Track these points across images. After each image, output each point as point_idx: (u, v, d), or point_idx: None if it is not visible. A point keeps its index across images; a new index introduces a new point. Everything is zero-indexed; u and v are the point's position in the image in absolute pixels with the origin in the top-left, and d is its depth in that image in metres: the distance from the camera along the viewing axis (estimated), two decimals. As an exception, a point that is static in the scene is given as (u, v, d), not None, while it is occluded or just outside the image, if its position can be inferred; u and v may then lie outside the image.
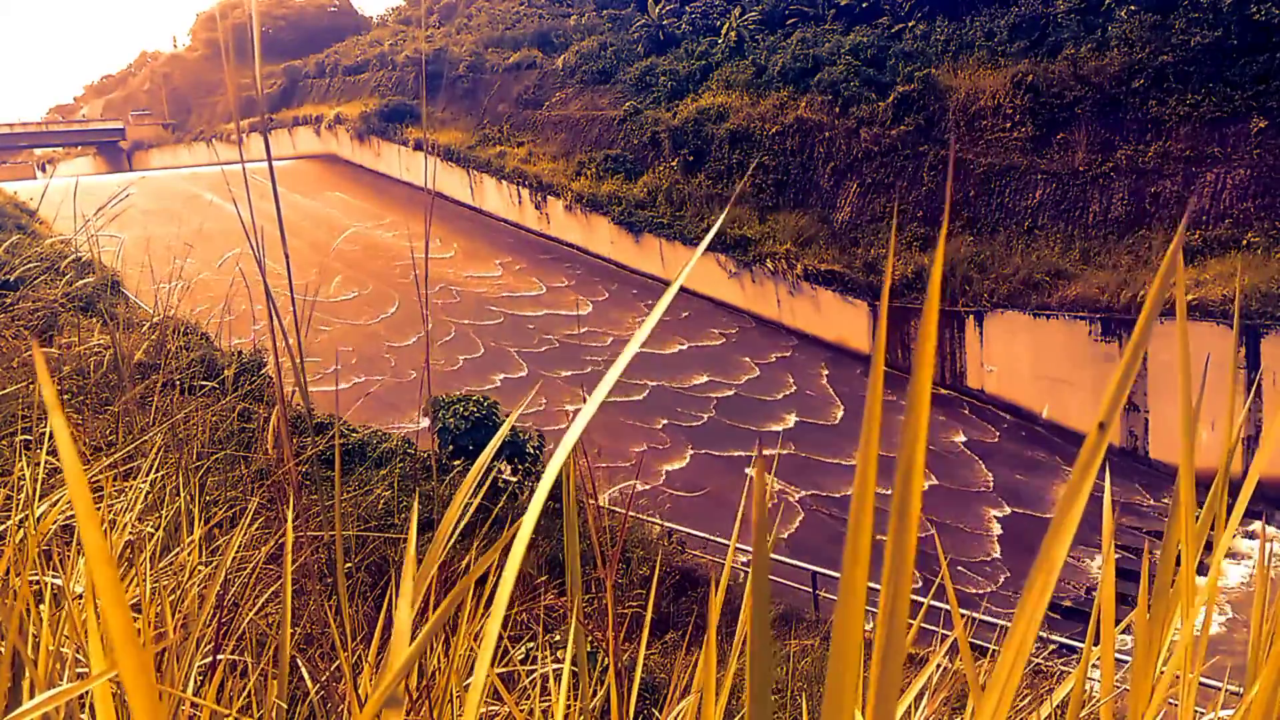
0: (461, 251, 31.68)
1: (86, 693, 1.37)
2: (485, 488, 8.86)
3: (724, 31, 34.01)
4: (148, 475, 2.55)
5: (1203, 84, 21.53)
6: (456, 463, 9.71)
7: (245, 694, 1.85)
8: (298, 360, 1.65)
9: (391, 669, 0.67)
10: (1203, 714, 1.95)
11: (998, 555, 16.02)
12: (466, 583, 0.66)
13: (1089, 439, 0.54)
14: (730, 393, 22.33)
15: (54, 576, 1.79)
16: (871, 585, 0.50)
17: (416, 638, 0.64)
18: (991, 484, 18.77)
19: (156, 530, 2.41)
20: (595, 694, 1.90)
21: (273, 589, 2.20)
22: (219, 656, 1.49)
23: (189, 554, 2.19)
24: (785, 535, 15.32)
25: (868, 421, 0.48)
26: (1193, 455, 0.80)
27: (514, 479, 10.07)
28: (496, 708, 2.00)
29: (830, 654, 0.48)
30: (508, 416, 10.40)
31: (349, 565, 3.63)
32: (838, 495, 17.57)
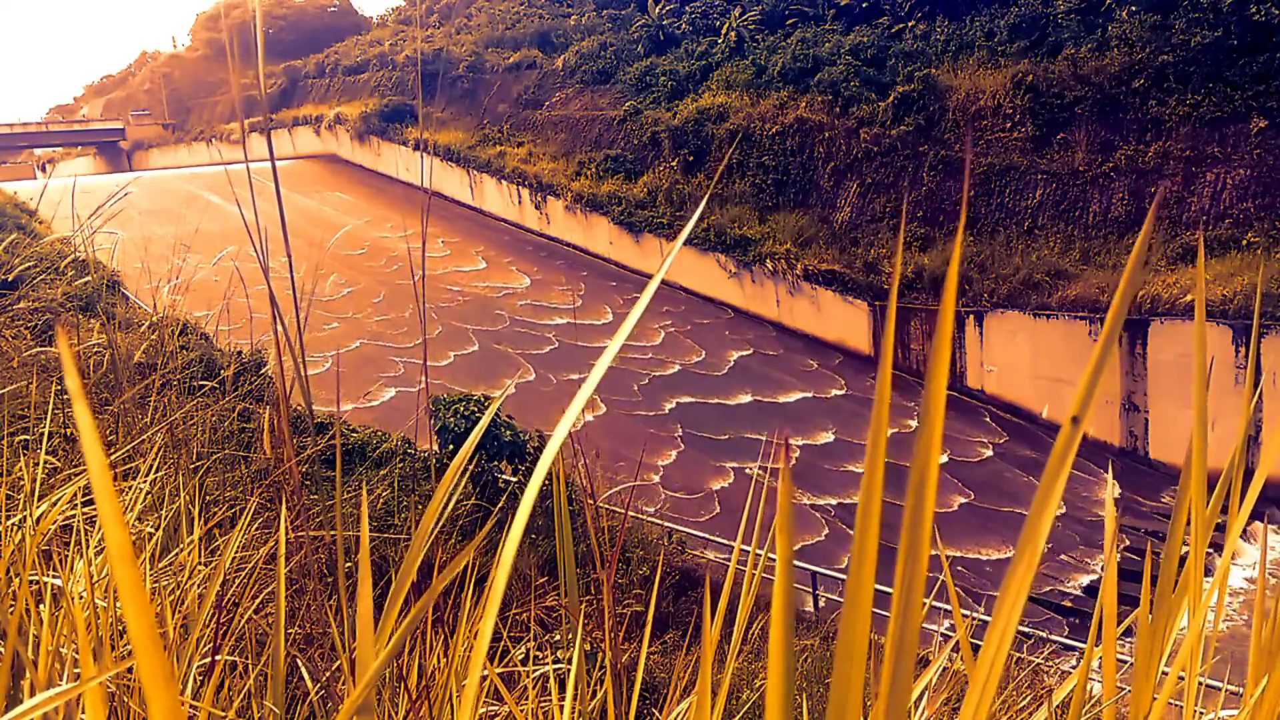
0: (466, 254, 31.48)
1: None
2: (484, 488, 8.86)
3: (724, 31, 34.00)
4: (147, 475, 2.54)
5: (1203, 84, 21.52)
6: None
7: (244, 694, 1.84)
8: (299, 359, 1.64)
9: (360, 681, 0.66)
10: (1204, 714, 1.95)
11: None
12: (438, 586, 0.66)
13: (1062, 432, 0.54)
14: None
15: (53, 576, 1.78)
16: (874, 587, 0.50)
17: (390, 643, 0.63)
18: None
19: (156, 530, 2.41)
20: (595, 694, 1.90)
21: (270, 588, 2.20)
22: (218, 657, 1.49)
23: (188, 554, 2.18)
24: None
25: (875, 422, 0.48)
26: (1205, 453, 0.80)
27: (515, 479, 10.07)
28: (496, 707, 2.00)
29: (836, 655, 0.47)
30: (509, 416, 10.39)
31: (348, 565, 3.62)
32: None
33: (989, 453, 20.12)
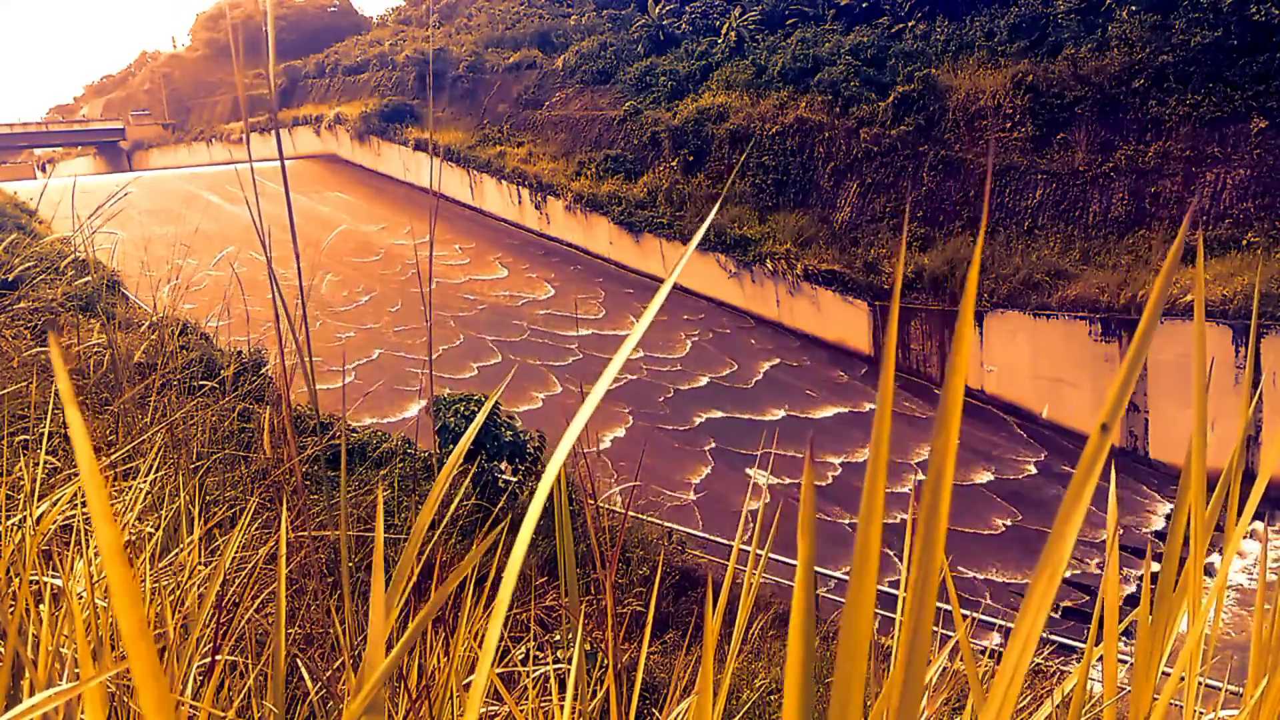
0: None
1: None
2: (484, 488, 8.85)
3: (724, 31, 34.01)
4: (147, 475, 2.54)
5: (1203, 84, 21.53)
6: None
7: (244, 694, 1.84)
8: (306, 359, 1.64)
9: (368, 681, 0.66)
10: (1203, 715, 1.94)
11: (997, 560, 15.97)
12: (447, 588, 0.66)
13: (1091, 440, 0.54)
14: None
15: (53, 576, 1.78)
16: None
17: (397, 644, 0.63)
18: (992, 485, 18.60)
19: (156, 530, 2.40)
20: (595, 694, 1.90)
21: (270, 588, 2.19)
22: (218, 657, 1.49)
23: (188, 554, 2.18)
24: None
25: (878, 422, 0.48)
26: (1204, 452, 0.80)
27: (514, 479, 10.07)
28: (496, 707, 2.00)
29: (838, 654, 0.47)
30: (510, 416, 10.37)
31: (350, 564, 3.61)
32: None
33: (1032, 469, 19.48)
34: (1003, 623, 10.68)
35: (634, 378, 21.94)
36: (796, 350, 25.20)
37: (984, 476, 18.82)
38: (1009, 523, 17.12)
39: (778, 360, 24.41)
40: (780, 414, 21.30)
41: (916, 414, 21.74)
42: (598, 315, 26.72)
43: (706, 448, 19.19)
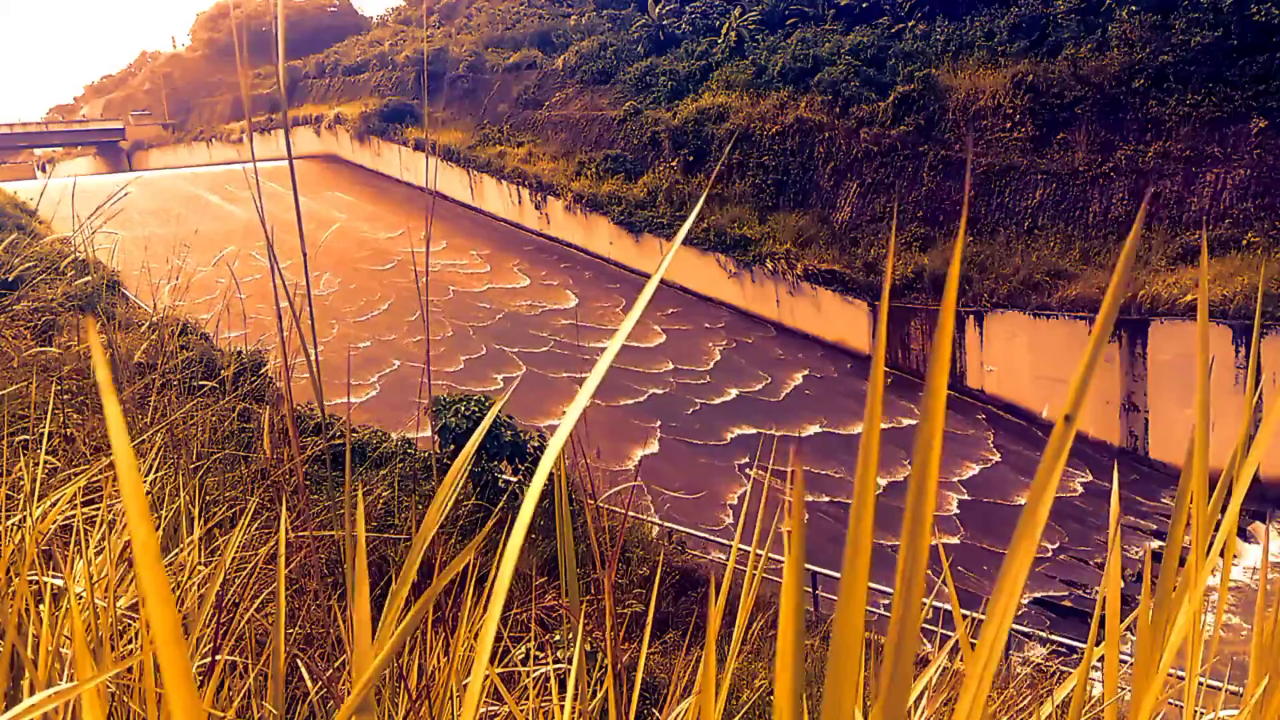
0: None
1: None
2: (484, 488, 8.85)
3: (724, 31, 34.02)
4: (147, 475, 2.54)
5: (1203, 84, 21.53)
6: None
7: (244, 694, 1.84)
8: (313, 360, 1.64)
9: (358, 681, 0.66)
10: (1204, 714, 1.95)
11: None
12: (438, 586, 0.66)
13: (1055, 430, 0.55)
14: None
15: (54, 576, 1.78)
16: (870, 585, 0.50)
17: (388, 643, 0.63)
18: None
19: (156, 530, 2.40)
20: (595, 694, 1.90)
21: (270, 588, 2.19)
22: (218, 657, 1.49)
23: (188, 554, 2.18)
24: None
25: (868, 421, 0.48)
26: (1206, 453, 0.80)
27: (515, 479, 10.06)
28: (497, 707, 2.00)
29: (830, 653, 0.47)
30: (509, 416, 10.37)
31: (349, 564, 3.61)
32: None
33: (1079, 488, 18.87)
34: (1014, 626, 10.57)
35: (662, 391, 21.58)
36: (822, 359, 24.84)
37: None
38: (1055, 545, 16.41)
39: (806, 371, 23.99)
40: (815, 429, 20.73)
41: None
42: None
43: (739, 463, 18.79)
